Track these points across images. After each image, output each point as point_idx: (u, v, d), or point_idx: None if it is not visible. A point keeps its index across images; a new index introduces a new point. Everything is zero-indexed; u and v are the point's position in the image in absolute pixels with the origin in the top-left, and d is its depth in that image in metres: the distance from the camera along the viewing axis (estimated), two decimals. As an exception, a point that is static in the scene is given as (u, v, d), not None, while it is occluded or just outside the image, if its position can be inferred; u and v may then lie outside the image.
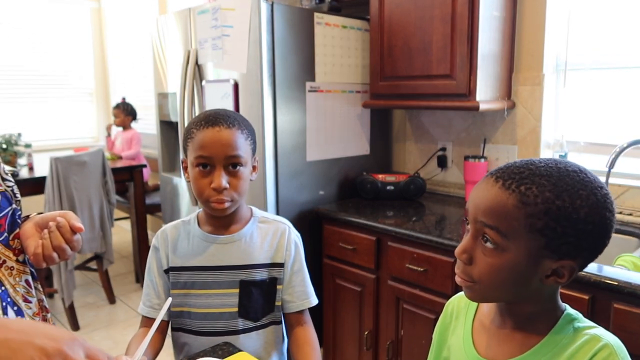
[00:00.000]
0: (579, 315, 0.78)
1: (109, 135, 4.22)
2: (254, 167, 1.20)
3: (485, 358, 0.81)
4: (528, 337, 0.77)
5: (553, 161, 0.73)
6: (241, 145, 1.12)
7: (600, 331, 0.74)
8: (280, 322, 1.26)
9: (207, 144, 1.10)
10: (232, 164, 1.12)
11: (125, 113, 3.96)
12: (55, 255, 0.89)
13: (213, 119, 1.12)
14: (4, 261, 0.93)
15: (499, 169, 0.75)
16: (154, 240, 1.24)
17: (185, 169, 1.19)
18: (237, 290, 1.18)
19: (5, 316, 0.90)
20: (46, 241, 0.89)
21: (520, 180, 0.71)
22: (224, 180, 1.10)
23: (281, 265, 1.21)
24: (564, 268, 0.71)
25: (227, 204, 1.12)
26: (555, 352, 0.74)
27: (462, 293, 0.94)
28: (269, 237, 1.22)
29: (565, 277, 0.72)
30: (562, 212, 0.68)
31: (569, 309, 0.79)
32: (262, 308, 1.20)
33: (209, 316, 1.19)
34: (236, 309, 1.18)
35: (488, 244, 0.72)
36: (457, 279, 0.78)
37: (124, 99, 4.06)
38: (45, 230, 0.91)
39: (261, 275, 1.20)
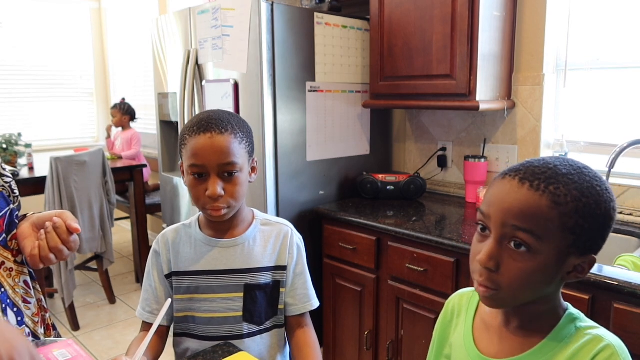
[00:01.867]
0: (581, 315, 0.78)
1: (108, 136, 4.20)
2: (253, 169, 1.17)
3: (486, 356, 0.81)
4: (530, 335, 0.77)
5: (560, 159, 0.74)
6: (235, 151, 1.08)
7: (602, 331, 0.74)
8: (283, 325, 1.25)
9: (200, 152, 1.06)
10: (226, 171, 1.08)
11: (123, 112, 3.94)
12: (52, 256, 0.88)
13: (205, 124, 1.07)
14: (3, 262, 0.93)
15: (518, 170, 0.73)
16: (154, 244, 1.22)
17: (183, 172, 1.15)
18: (241, 294, 1.17)
19: (5, 318, 0.90)
20: (43, 242, 0.88)
21: (547, 180, 0.70)
22: (219, 188, 1.07)
23: (284, 268, 1.20)
24: (585, 263, 0.73)
25: (224, 211, 1.10)
26: (557, 352, 0.74)
27: (462, 291, 0.93)
28: (272, 239, 1.21)
29: (585, 271, 0.73)
30: (587, 209, 0.69)
31: (571, 309, 0.79)
32: (266, 312, 1.19)
33: (213, 321, 1.17)
34: (241, 313, 1.17)
35: (522, 249, 0.70)
36: (480, 289, 0.74)
37: (123, 99, 4.06)
38: (42, 231, 0.89)
39: (265, 278, 1.18)
